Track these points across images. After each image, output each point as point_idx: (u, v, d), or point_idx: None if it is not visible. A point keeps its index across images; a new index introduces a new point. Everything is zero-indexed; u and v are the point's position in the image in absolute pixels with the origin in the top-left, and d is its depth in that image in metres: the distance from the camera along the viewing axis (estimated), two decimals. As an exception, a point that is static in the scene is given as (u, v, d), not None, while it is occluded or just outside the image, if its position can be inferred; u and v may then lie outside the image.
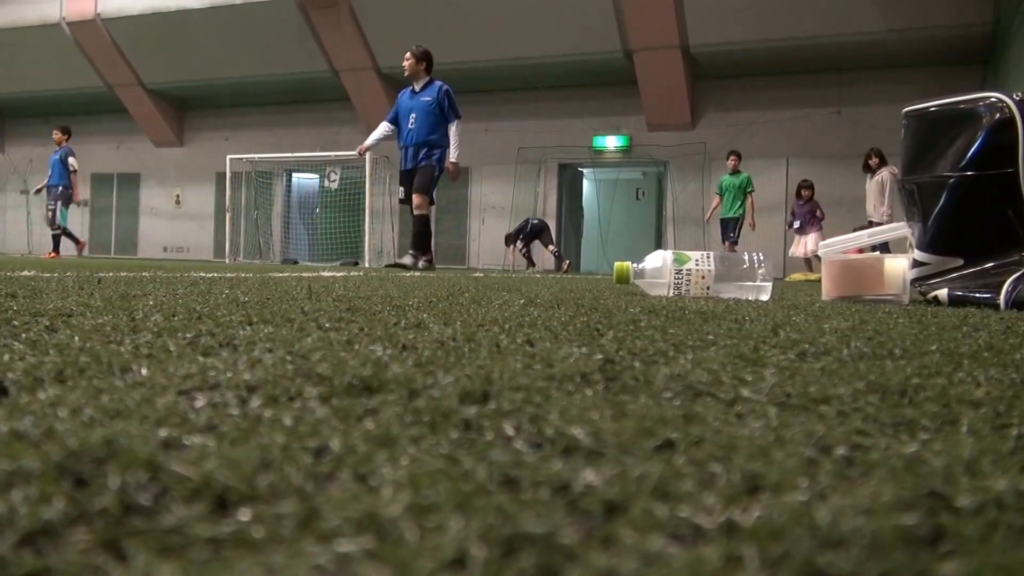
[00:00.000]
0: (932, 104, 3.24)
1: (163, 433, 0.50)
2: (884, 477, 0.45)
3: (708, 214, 12.74)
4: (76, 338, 0.99)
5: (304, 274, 4.77)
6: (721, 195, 12.22)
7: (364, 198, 15.15)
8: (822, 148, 13.94)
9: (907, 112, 3.35)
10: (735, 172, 12.07)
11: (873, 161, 10.65)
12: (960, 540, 0.35)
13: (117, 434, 0.48)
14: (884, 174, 10.36)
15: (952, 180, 3.05)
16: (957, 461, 0.49)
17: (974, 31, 11.98)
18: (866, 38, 12.58)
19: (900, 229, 3.39)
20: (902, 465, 0.48)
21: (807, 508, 0.38)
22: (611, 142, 15.83)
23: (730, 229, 12.07)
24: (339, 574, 0.30)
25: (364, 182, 15.16)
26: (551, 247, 13.90)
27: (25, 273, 3.37)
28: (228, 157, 15.82)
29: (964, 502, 0.40)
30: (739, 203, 11.97)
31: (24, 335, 1.02)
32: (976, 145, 2.98)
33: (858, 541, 0.34)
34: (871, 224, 9.77)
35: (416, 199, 8.33)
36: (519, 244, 13.80)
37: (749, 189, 11.96)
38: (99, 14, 16.31)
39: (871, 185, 10.74)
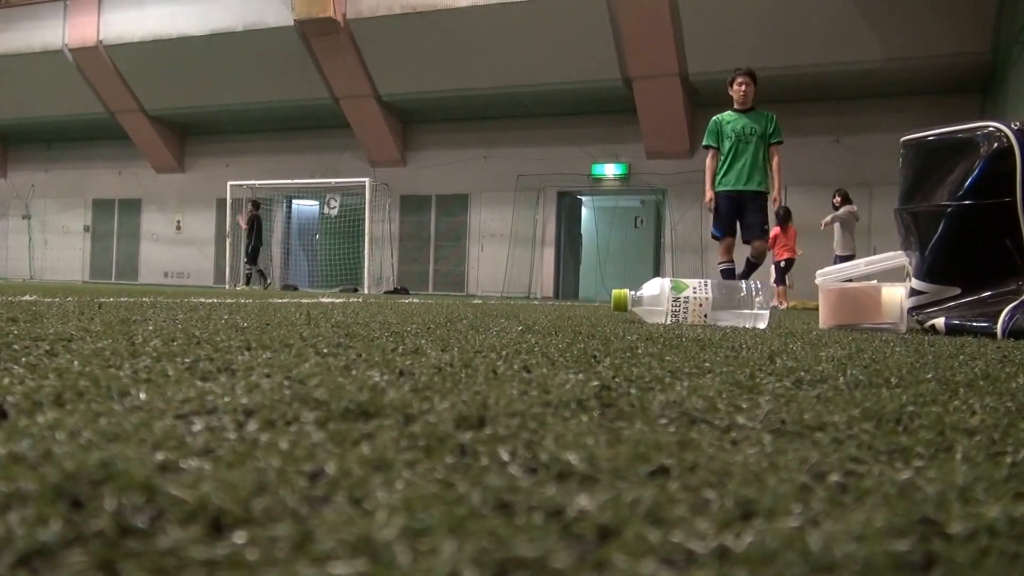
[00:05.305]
0: (930, 133, 3.26)
1: (160, 456, 0.50)
2: (877, 503, 0.45)
3: (708, 190, 6.06)
4: (76, 362, 0.99)
5: (303, 300, 4.77)
6: (717, 147, 6.01)
7: (363, 224, 15.23)
8: (821, 176, 13.97)
9: (905, 141, 3.37)
10: (746, 108, 5.98)
11: (836, 200, 11.26)
12: (952, 566, 0.35)
13: (114, 457, 0.48)
14: (842, 212, 11.08)
15: (950, 209, 3.06)
16: (951, 488, 0.49)
17: (972, 60, 12.06)
18: (865, 67, 12.68)
19: (897, 258, 3.40)
20: (895, 492, 0.48)
21: (800, 533, 0.38)
22: (610, 170, 15.88)
23: (757, 214, 6.00)
24: (333, 596, 0.30)
25: (364, 209, 15.26)
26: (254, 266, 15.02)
27: (26, 298, 3.37)
28: (229, 183, 15.94)
29: (956, 529, 0.40)
30: (764, 166, 5.95)
31: (24, 359, 1.02)
32: (974, 174, 3.00)
33: (850, 566, 0.34)
34: (837, 259, 10.22)
35: None
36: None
37: (776, 140, 5.96)
38: (101, 41, 16.44)
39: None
